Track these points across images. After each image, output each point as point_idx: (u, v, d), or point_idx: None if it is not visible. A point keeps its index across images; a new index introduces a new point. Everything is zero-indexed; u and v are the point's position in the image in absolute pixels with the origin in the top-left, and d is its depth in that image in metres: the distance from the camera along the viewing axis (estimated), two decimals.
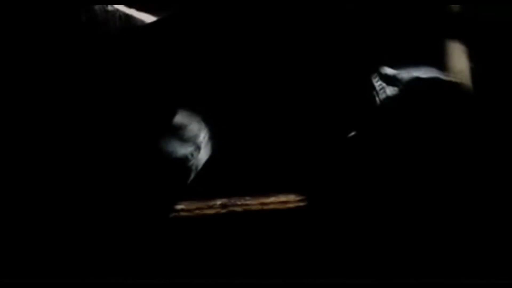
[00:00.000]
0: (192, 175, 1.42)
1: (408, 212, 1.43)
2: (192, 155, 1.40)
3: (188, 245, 1.44)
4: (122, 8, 1.57)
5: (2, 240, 1.32)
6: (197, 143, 1.42)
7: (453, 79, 1.54)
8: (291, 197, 1.49)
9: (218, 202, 1.49)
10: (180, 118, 1.41)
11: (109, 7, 1.55)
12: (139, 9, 1.58)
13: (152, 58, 1.48)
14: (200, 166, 1.44)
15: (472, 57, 1.61)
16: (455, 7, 1.63)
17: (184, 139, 1.40)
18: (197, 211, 1.48)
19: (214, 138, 1.46)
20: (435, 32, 1.59)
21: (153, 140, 1.37)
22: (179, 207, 1.46)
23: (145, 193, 1.35)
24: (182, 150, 1.39)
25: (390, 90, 1.53)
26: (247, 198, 1.49)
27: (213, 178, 1.48)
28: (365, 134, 1.51)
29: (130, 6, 1.57)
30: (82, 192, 1.35)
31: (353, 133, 1.52)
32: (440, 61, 1.57)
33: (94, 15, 1.52)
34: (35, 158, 1.38)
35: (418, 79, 1.51)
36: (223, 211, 1.48)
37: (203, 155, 1.44)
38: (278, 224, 1.47)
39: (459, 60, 1.60)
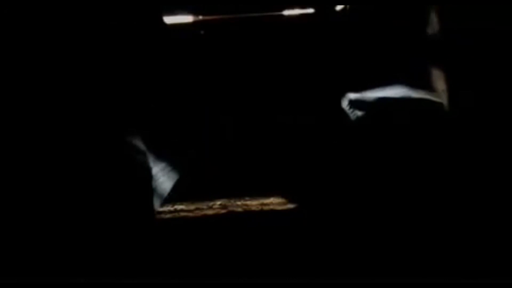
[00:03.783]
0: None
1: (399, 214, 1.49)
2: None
3: (188, 245, 1.44)
4: None
5: None
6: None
7: (424, 97, 1.63)
8: (291, 198, 1.52)
9: (218, 202, 1.50)
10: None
11: None
12: None
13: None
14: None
15: (448, 77, 1.69)
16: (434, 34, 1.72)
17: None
18: (197, 211, 1.48)
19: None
20: (412, 53, 1.68)
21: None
22: (179, 207, 1.46)
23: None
24: None
25: (360, 112, 1.62)
26: (247, 198, 1.51)
27: (213, 178, 1.50)
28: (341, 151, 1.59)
29: None
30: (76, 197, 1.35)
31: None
32: (416, 81, 1.66)
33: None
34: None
35: (382, 99, 1.60)
36: (223, 211, 1.48)
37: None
38: (278, 224, 1.48)
39: (436, 80, 1.69)
